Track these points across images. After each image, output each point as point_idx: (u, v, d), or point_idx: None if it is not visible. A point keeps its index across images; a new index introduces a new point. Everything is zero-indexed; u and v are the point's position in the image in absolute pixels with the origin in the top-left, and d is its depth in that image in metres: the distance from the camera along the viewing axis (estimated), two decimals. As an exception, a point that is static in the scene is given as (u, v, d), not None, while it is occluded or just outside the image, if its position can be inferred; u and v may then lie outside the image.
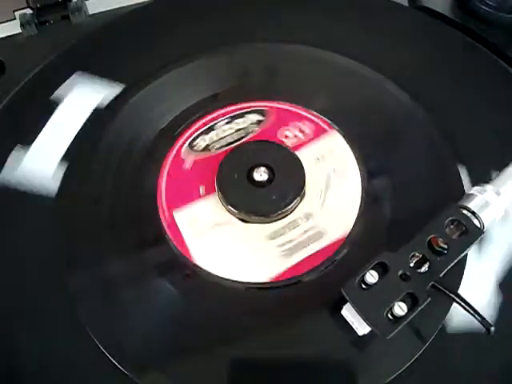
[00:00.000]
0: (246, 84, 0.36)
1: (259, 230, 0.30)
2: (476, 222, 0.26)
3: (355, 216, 0.30)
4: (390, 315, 0.24)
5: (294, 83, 0.36)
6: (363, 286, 0.24)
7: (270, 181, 0.30)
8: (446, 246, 0.25)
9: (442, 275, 0.24)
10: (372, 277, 0.24)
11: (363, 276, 0.24)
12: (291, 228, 0.30)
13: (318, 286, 0.28)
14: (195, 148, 0.33)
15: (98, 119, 0.35)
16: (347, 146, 0.32)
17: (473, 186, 0.28)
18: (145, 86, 0.36)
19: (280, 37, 0.38)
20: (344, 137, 0.33)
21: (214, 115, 0.34)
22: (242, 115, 0.34)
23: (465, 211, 0.26)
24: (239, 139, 0.33)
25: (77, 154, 0.33)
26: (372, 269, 0.25)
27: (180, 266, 0.29)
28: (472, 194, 0.27)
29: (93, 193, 0.32)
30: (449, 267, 0.25)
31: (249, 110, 0.34)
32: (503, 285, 0.28)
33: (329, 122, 0.33)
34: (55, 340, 0.27)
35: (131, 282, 0.29)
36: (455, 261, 0.25)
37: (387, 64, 0.36)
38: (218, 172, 0.31)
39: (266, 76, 0.36)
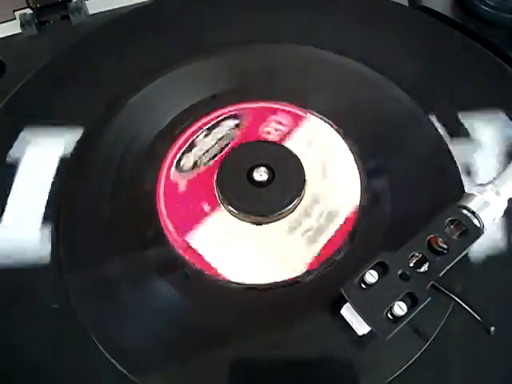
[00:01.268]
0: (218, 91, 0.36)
1: (276, 227, 0.30)
2: (476, 221, 0.26)
3: (359, 188, 0.31)
4: (389, 315, 0.24)
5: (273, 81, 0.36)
6: (363, 286, 0.24)
7: (269, 181, 0.30)
8: (445, 246, 0.25)
9: (441, 275, 0.24)
10: (372, 276, 0.24)
11: (363, 276, 0.24)
12: (305, 217, 0.30)
13: (318, 285, 0.28)
14: (184, 168, 0.32)
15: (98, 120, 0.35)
16: (327, 126, 0.33)
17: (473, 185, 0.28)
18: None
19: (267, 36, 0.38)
20: (321, 118, 0.34)
21: (192, 130, 0.34)
22: (217, 124, 0.34)
23: (464, 211, 0.26)
24: (224, 147, 0.33)
25: (77, 155, 0.33)
26: (372, 268, 0.25)
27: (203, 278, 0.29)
28: (472, 194, 0.27)
29: (92, 194, 0.32)
30: (448, 267, 0.25)
31: (222, 117, 0.34)
32: (503, 284, 0.28)
33: (300, 107, 0.34)
34: (55, 340, 0.27)
35: (132, 283, 0.29)
36: (455, 261, 0.25)
37: (387, 64, 0.36)
38: (217, 173, 0.31)
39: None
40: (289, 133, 0.33)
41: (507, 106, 0.34)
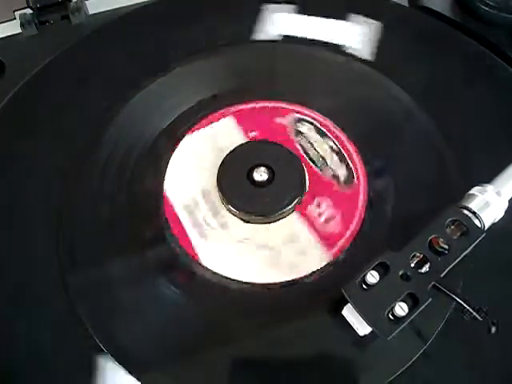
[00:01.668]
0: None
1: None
2: (477, 222, 0.25)
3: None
4: (390, 315, 0.24)
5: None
6: (364, 287, 0.24)
7: (270, 181, 0.30)
8: (446, 247, 0.25)
9: (442, 275, 0.24)
10: (373, 277, 0.24)
11: (364, 276, 0.24)
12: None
13: (319, 286, 0.28)
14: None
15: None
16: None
17: (473, 186, 0.28)
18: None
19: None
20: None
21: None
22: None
23: (465, 211, 0.26)
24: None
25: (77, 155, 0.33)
26: (373, 269, 0.24)
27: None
28: (473, 194, 0.27)
29: (93, 194, 0.32)
30: (450, 267, 0.25)
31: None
32: (503, 284, 0.28)
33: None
34: (55, 340, 0.27)
35: (132, 282, 0.29)
36: (456, 261, 0.25)
37: (387, 64, 0.36)
38: (217, 173, 0.31)
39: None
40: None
41: (507, 106, 0.34)
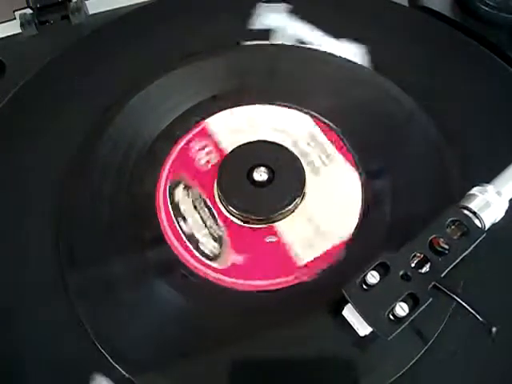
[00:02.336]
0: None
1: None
2: (477, 222, 0.25)
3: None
4: (391, 316, 0.24)
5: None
6: (364, 287, 0.24)
7: (270, 181, 0.30)
8: (447, 247, 0.25)
9: (443, 275, 0.24)
10: (373, 277, 0.24)
11: (364, 276, 0.24)
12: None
13: (319, 286, 0.28)
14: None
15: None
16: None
17: (473, 186, 0.28)
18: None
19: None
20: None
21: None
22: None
23: (466, 211, 0.26)
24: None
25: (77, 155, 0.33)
26: (373, 269, 0.24)
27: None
28: (473, 195, 0.27)
29: (93, 194, 0.32)
30: (450, 267, 0.25)
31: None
32: (504, 284, 0.28)
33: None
34: (55, 340, 0.27)
35: (132, 282, 0.29)
36: (456, 261, 0.25)
37: (387, 64, 0.36)
38: (217, 173, 0.31)
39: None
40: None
41: (507, 106, 0.34)
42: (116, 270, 0.29)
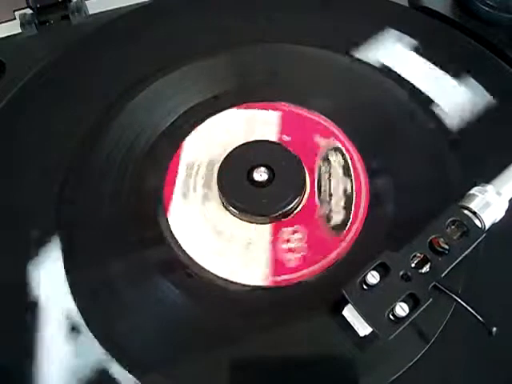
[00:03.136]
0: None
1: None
2: (477, 222, 0.26)
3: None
4: (391, 316, 0.24)
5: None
6: (364, 287, 0.24)
7: (270, 181, 0.30)
8: (447, 247, 0.25)
9: (443, 275, 0.24)
10: (373, 277, 0.24)
11: (364, 276, 0.24)
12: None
13: (319, 286, 0.28)
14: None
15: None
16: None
17: (473, 186, 0.28)
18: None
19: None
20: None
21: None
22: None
23: (466, 211, 0.26)
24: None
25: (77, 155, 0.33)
26: (373, 269, 0.24)
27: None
28: (473, 195, 0.27)
29: (93, 194, 0.32)
30: (450, 267, 0.25)
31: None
32: (505, 285, 0.28)
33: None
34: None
35: (132, 282, 0.29)
36: (456, 261, 0.25)
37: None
38: (218, 173, 0.31)
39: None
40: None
41: (507, 106, 0.34)
42: (117, 269, 0.29)
